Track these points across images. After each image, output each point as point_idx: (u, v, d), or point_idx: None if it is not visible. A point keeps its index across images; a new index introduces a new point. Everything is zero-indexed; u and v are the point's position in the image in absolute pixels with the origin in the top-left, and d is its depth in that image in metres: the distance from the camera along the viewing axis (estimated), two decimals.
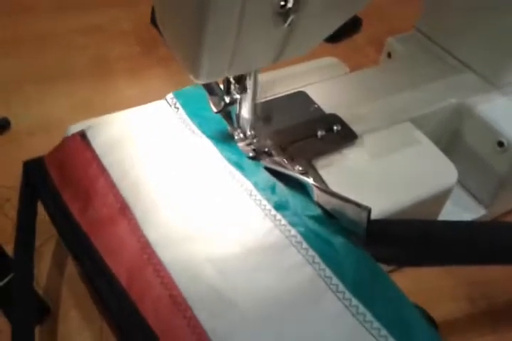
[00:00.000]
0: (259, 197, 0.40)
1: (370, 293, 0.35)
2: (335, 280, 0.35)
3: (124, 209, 0.40)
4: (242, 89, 0.40)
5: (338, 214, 0.38)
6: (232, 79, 0.40)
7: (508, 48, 0.51)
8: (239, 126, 0.44)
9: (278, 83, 0.52)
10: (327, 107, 0.49)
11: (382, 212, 0.41)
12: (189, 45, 0.33)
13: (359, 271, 0.36)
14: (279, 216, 0.39)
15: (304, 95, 0.51)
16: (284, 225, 0.38)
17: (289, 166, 0.42)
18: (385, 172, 0.45)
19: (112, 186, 0.41)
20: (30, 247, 0.45)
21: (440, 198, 0.46)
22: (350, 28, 0.71)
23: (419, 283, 0.50)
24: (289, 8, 0.31)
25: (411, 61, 0.57)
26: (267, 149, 0.44)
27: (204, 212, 0.40)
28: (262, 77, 0.52)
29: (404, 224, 0.39)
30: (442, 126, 0.53)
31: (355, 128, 0.47)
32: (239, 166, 0.43)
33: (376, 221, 0.37)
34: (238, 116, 0.44)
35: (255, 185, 0.41)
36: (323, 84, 0.53)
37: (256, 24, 0.32)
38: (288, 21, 0.32)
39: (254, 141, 0.44)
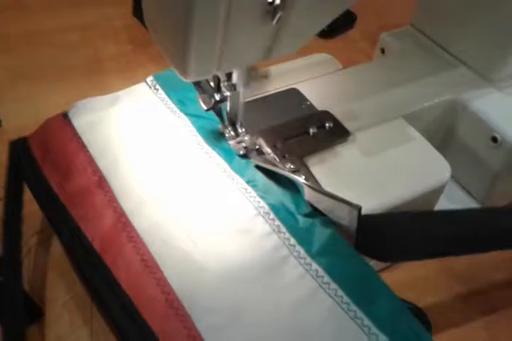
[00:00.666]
0: (232, 173, 0.42)
1: (331, 260, 0.36)
2: (298, 247, 0.37)
3: (101, 182, 0.41)
4: (232, 87, 0.40)
5: (329, 212, 0.38)
6: (221, 77, 0.39)
7: (502, 43, 0.51)
8: (230, 124, 0.44)
9: (270, 80, 0.52)
10: (319, 104, 0.49)
11: (375, 209, 0.41)
12: (176, 43, 0.33)
13: (323, 242, 0.37)
14: (249, 189, 0.41)
15: (295, 92, 0.50)
16: (253, 197, 0.40)
17: (280, 164, 0.42)
18: (378, 169, 0.44)
19: (91, 161, 0.43)
20: (17, 246, 0.45)
21: (434, 194, 0.46)
22: (344, 24, 0.71)
23: (413, 277, 0.50)
24: (277, 5, 0.31)
25: (405, 57, 0.57)
26: (257, 147, 0.43)
27: (179, 186, 0.41)
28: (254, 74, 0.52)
29: (395, 218, 0.39)
30: (436, 122, 0.53)
31: (348, 125, 0.46)
32: (215, 145, 0.44)
33: (367, 217, 0.36)
34: (229, 113, 0.43)
35: (230, 163, 0.42)
36: (316, 80, 0.53)
37: (243, 21, 0.32)
38: (276, 18, 0.31)
39: (245, 138, 0.44)
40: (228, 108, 0.43)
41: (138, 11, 0.59)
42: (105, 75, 0.68)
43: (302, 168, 0.43)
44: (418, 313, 0.46)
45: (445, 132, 0.54)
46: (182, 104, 0.47)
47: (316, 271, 0.36)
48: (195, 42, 0.31)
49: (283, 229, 0.38)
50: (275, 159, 0.43)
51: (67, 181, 0.42)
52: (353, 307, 0.34)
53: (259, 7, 0.31)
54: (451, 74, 0.54)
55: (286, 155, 0.43)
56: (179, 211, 0.40)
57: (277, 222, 0.38)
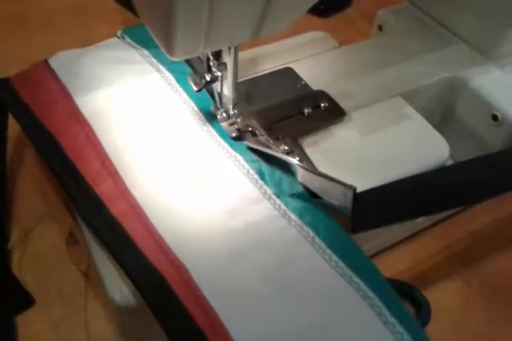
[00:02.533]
0: (222, 143, 0.41)
1: (314, 223, 0.36)
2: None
3: (83, 124, 0.42)
4: (222, 66, 0.38)
5: (323, 194, 0.37)
6: (210, 56, 0.38)
7: (502, 19, 0.49)
8: (221, 105, 0.43)
9: (264, 59, 0.51)
10: (314, 83, 0.47)
11: None
12: (161, 20, 0.31)
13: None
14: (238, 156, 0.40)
15: (290, 71, 0.49)
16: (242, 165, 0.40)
17: (273, 146, 0.41)
18: (375, 150, 0.43)
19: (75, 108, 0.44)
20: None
21: None
22: (341, 2, 0.69)
23: (413, 258, 0.50)
24: None
25: (402, 34, 0.55)
26: (251, 128, 0.42)
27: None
28: (247, 54, 0.51)
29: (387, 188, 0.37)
30: (435, 100, 0.51)
31: (344, 104, 0.45)
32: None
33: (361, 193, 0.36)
34: (220, 94, 0.42)
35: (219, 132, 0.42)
36: (311, 59, 0.51)
37: None
38: None
39: (238, 120, 0.43)
40: (219, 89, 0.41)
41: None
42: None
43: (296, 150, 0.42)
44: (416, 295, 0.46)
45: (444, 111, 0.52)
46: (148, 48, 0.48)
47: (308, 233, 0.36)
48: (180, 18, 0.30)
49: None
50: (269, 141, 0.42)
51: (53, 116, 0.43)
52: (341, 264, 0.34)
53: None
54: (450, 51, 0.52)
55: (280, 137, 0.42)
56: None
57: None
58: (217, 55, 0.38)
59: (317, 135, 0.44)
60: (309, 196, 0.38)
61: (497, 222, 0.53)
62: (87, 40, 0.69)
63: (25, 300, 0.44)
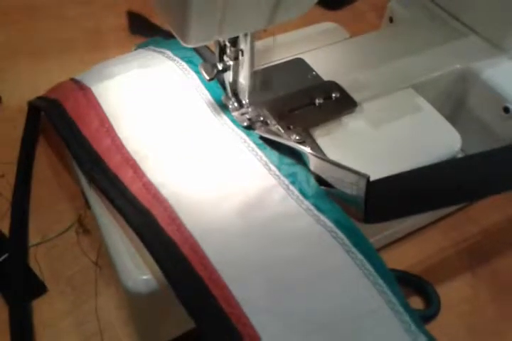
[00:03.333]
0: (238, 131, 0.42)
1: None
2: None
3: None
4: (237, 54, 0.38)
5: (336, 183, 0.37)
6: (227, 43, 0.38)
7: None
8: (233, 95, 0.42)
9: (275, 50, 0.50)
10: (326, 74, 0.47)
11: None
12: (176, 6, 0.31)
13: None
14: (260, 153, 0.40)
15: (301, 62, 0.49)
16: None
17: (285, 135, 0.41)
18: (386, 140, 0.43)
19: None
20: (25, 224, 0.46)
21: None
22: None
23: (422, 251, 0.49)
24: None
25: (413, 25, 0.55)
26: (262, 118, 0.42)
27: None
28: (258, 44, 0.51)
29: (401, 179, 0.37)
30: (446, 92, 0.51)
31: (355, 95, 0.45)
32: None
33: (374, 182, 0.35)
34: (232, 84, 0.42)
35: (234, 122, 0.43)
36: (322, 50, 0.51)
37: None
38: None
39: (249, 109, 0.43)
40: (231, 78, 0.41)
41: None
42: (106, 48, 0.66)
43: (308, 140, 0.42)
44: (426, 288, 0.46)
45: (455, 102, 0.52)
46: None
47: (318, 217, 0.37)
48: (195, 4, 0.30)
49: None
50: (280, 130, 0.42)
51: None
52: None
53: None
54: (461, 43, 0.52)
55: (292, 127, 0.42)
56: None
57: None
58: (234, 42, 0.38)
59: (328, 125, 0.43)
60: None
61: (506, 216, 0.53)
62: (96, 30, 0.69)
63: (37, 288, 0.44)
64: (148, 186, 0.37)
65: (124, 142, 0.41)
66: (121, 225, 0.37)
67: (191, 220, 0.35)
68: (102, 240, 0.38)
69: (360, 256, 0.34)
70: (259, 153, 0.40)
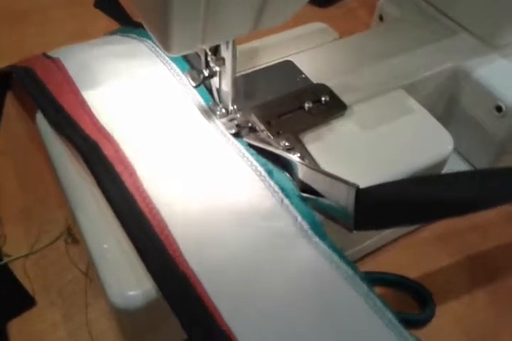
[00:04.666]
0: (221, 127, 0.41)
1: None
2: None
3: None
4: (220, 61, 0.37)
5: (325, 192, 0.36)
6: (208, 51, 0.37)
7: (506, 7, 0.48)
8: (220, 101, 0.42)
9: (263, 52, 0.50)
10: (315, 77, 0.46)
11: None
12: (157, 14, 0.31)
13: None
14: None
15: (290, 64, 0.48)
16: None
17: (274, 142, 0.40)
18: (378, 144, 0.42)
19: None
20: None
21: (436, 168, 0.44)
22: None
23: (416, 254, 0.49)
24: None
25: (404, 24, 0.54)
26: (250, 124, 0.42)
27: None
28: (245, 47, 0.50)
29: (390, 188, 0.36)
30: (437, 92, 0.50)
31: (345, 98, 0.44)
32: None
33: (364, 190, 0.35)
34: (219, 90, 0.41)
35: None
36: (311, 52, 0.50)
37: None
38: None
39: (237, 115, 0.42)
40: (218, 84, 0.41)
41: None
42: None
43: (297, 145, 0.41)
44: (421, 291, 0.45)
45: (447, 103, 0.52)
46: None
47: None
48: (176, 12, 0.29)
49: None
50: (269, 136, 0.41)
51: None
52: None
53: None
54: (452, 41, 0.51)
55: (281, 132, 0.41)
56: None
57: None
58: (215, 50, 0.37)
59: (318, 129, 0.43)
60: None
61: (503, 217, 0.52)
62: (83, 33, 0.68)
63: (24, 302, 0.44)
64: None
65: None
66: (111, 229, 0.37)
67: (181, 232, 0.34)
68: (88, 252, 0.37)
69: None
70: (250, 158, 0.39)
